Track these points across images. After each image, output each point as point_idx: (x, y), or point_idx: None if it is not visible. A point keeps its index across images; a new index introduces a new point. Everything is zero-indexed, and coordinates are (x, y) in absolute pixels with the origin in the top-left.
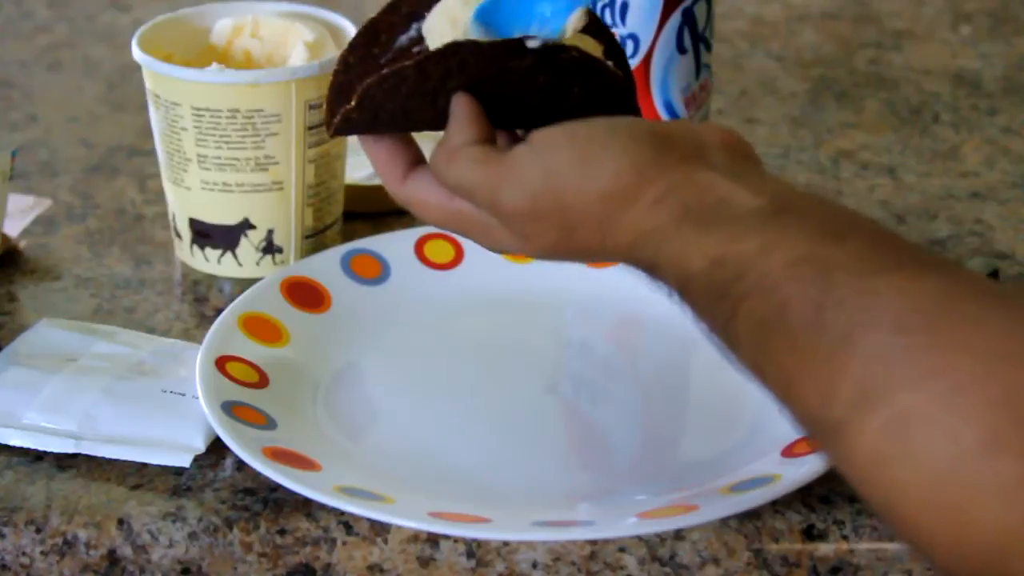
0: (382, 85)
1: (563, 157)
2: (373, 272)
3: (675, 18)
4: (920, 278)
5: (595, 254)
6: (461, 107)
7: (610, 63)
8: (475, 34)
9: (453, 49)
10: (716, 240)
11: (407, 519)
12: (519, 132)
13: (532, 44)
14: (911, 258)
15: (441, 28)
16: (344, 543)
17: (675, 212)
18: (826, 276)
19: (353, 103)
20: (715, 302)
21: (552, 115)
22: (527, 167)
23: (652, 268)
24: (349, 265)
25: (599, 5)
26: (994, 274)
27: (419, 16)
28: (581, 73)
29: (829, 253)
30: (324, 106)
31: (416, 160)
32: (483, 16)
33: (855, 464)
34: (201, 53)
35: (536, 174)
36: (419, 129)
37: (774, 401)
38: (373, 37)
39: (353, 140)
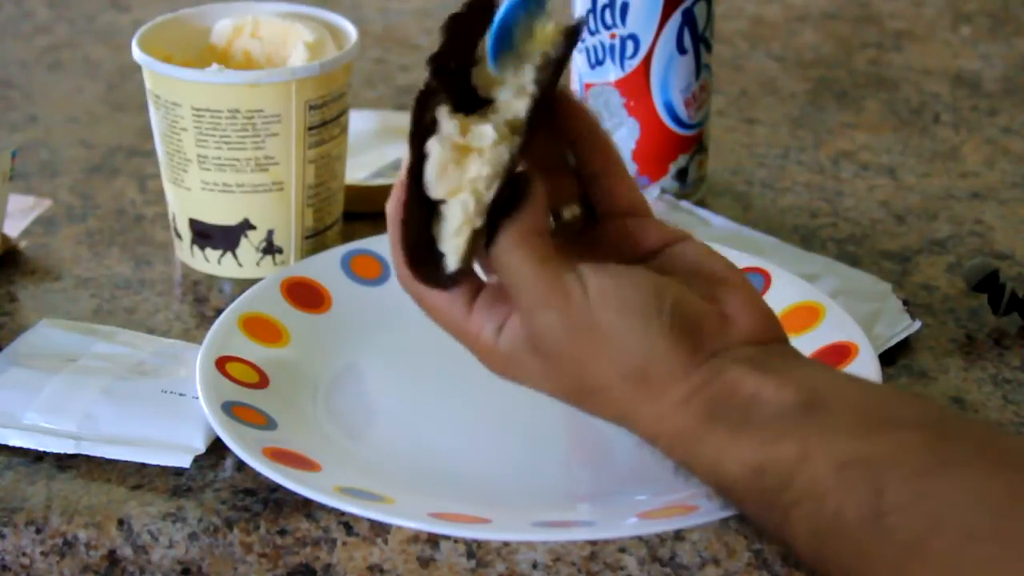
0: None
1: (608, 319)
2: (373, 272)
3: (675, 19)
4: (976, 478)
5: (610, 420)
6: (536, 190)
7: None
8: (494, 70)
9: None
10: (751, 446)
11: (407, 519)
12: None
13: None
14: (959, 453)
15: (453, 180)
16: (344, 543)
17: (702, 414)
18: (878, 478)
19: (482, 223)
20: (763, 510)
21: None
22: (576, 308)
23: (683, 465)
24: (349, 265)
25: (599, 5)
26: (994, 274)
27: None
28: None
29: (875, 450)
30: (407, 268)
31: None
32: (495, 54)
33: None
34: (201, 53)
35: (581, 322)
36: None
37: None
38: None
39: (351, 142)
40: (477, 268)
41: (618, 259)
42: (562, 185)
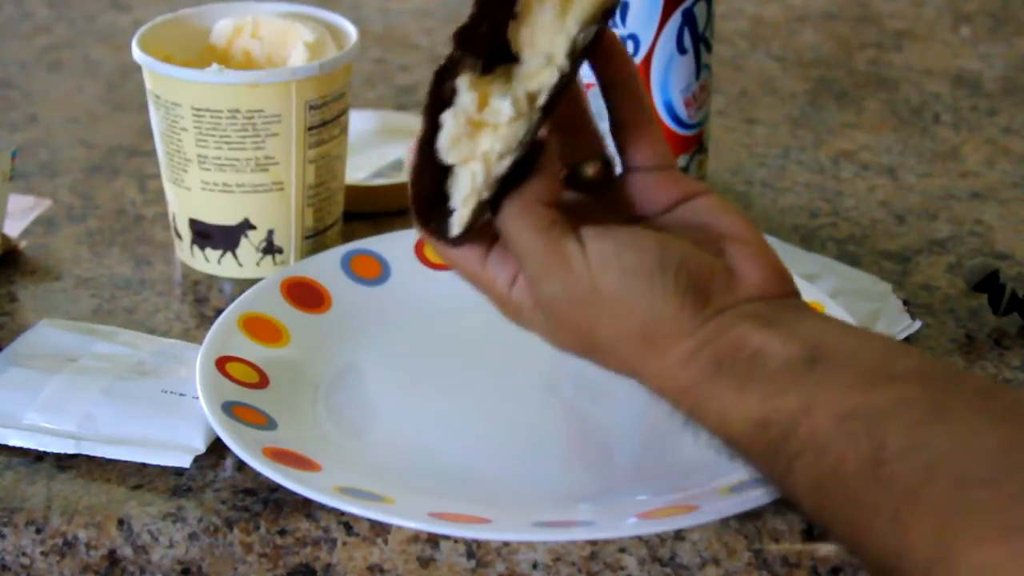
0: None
1: (609, 284)
2: (373, 272)
3: (675, 18)
4: (974, 428)
5: (618, 374)
6: (548, 162)
7: None
8: None
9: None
10: (756, 400)
11: (407, 519)
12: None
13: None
14: (959, 403)
15: (465, 152)
16: (344, 543)
17: (708, 369)
18: (877, 430)
19: (487, 193)
20: (768, 461)
21: None
22: (577, 274)
23: (689, 416)
24: (349, 265)
25: None
26: (994, 274)
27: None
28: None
29: (875, 403)
30: (417, 223)
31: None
32: None
33: None
34: (201, 53)
35: (582, 287)
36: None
37: (844, 546)
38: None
39: (351, 142)
40: None
41: (635, 214)
42: (584, 140)
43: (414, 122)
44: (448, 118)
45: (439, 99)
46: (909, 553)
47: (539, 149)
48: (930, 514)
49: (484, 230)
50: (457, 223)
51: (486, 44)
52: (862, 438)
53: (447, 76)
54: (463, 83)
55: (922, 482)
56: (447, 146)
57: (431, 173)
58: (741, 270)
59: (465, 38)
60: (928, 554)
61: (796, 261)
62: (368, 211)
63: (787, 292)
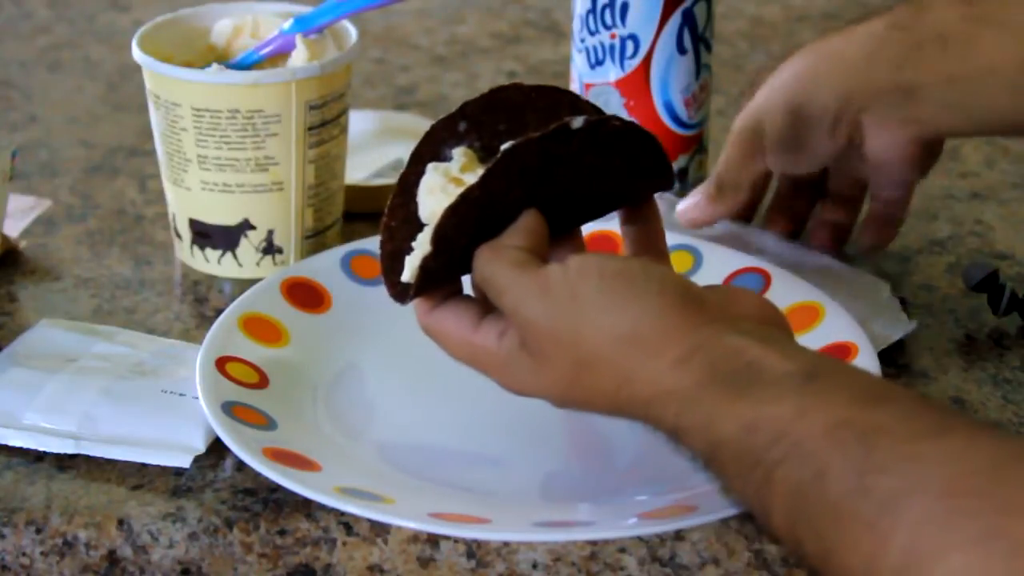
0: (452, 219)
1: (590, 288)
2: (373, 272)
3: (675, 19)
4: (970, 443)
5: (609, 403)
6: (525, 218)
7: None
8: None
9: (509, 154)
10: (748, 404)
11: (407, 520)
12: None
13: (576, 124)
14: (958, 423)
15: (433, 204)
16: (344, 543)
17: (701, 374)
18: (868, 440)
19: (430, 250)
20: (747, 470)
21: (604, 199)
22: (556, 287)
23: (674, 431)
24: (349, 265)
25: (599, 5)
26: (994, 274)
27: (445, 158)
28: (620, 142)
29: (869, 417)
30: (383, 278)
31: (451, 292)
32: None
33: None
34: (201, 53)
35: (562, 297)
36: None
37: (812, 569)
38: (408, 195)
39: (351, 142)
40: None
41: None
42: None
43: (414, 122)
44: (431, 169)
45: (433, 154)
46: (878, 567)
47: (524, 215)
48: (910, 522)
49: (475, 302)
50: (407, 271)
51: (495, 138)
52: (852, 446)
53: (448, 140)
54: (458, 152)
55: (906, 491)
56: (423, 190)
57: (406, 231)
58: (737, 295)
59: (470, 115)
60: (899, 564)
61: (796, 261)
62: (368, 211)
63: (782, 326)
